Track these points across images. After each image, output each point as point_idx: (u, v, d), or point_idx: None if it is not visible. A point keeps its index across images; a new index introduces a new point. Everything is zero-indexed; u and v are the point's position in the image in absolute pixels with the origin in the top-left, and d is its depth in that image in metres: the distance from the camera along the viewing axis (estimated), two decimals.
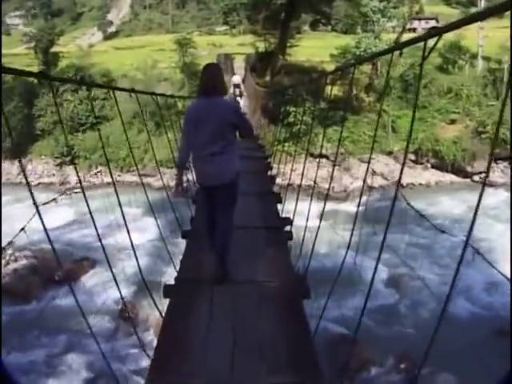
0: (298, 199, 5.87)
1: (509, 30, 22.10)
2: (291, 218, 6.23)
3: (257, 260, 4.95)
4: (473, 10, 69.76)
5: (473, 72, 30.19)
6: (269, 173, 9.84)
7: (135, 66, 30.56)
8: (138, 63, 30.53)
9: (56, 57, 32.92)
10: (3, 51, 43.88)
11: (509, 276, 2.06)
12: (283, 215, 6.69)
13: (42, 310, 13.53)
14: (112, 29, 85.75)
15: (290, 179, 7.44)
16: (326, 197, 5.57)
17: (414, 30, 54.35)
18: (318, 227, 5.32)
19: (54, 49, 34.77)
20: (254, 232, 5.87)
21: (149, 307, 13.07)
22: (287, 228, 6.00)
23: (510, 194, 20.92)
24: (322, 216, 5.04)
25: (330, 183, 6.51)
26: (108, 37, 78.70)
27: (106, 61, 34.71)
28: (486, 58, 30.37)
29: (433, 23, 60.33)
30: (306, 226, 5.12)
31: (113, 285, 13.41)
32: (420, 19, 58.54)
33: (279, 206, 7.12)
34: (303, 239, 5.32)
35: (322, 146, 17.90)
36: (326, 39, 45.58)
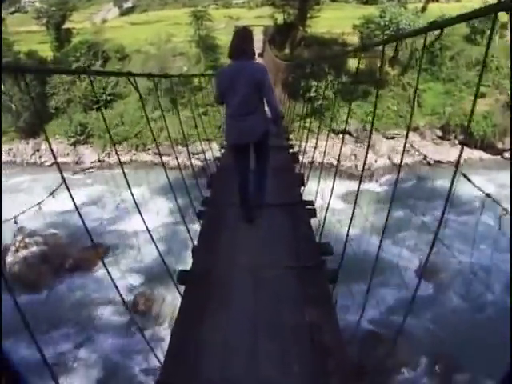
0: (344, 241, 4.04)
1: None
2: (331, 243, 4.52)
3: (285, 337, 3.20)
4: None
5: (502, 43, 28.53)
6: (297, 169, 7.58)
7: (149, 41, 29.52)
8: (152, 38, 29.50)
9: (69, 33, 32.05)
10: (19, 29, 43.25)
11: None
12: (321, 235, 4.92)
13: (53, 300, 12.98)
14: (128, 4, 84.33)
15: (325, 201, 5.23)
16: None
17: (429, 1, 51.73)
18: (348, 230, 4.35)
19: (69, 25, 33.95)
20: (281, 277, 3.98)
21: (163, 299, 12.46)
22: (328, 261, 4.25)
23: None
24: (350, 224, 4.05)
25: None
26: (124, 12, 77.38)
27: (120, 36, 33.71)
28: None
29: None
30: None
31: (127, 274, 12.75)
32: None
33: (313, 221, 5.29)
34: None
35: (345, 123, 16.62)
36: (346, 10, 43.99)
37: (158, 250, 4.67)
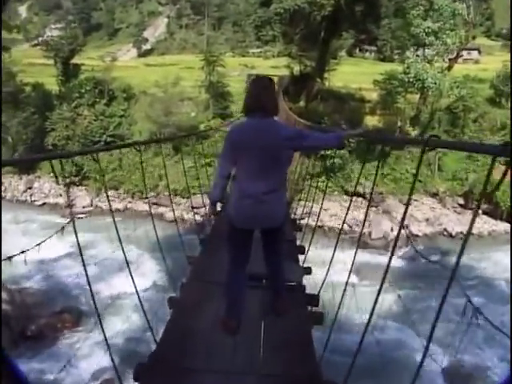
0: None
1: None
2: None
3: None
4: None
5: None
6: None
7: (157, 83, 28.21)
8: (160, 80, 28.21)
9: (77, 68, 30.88)
10: (33, 60, 42.57)
11: None
12: None
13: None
14: (147, 46, 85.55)
15: None
16: None
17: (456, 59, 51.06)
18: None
19: (80, 61, 32.88)
20: None
21: None
22: None
23: None
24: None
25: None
26: (142, 54, 78.38)
27: (129, 76, 32.66)
28: None
29: (475, 54, 57.43)
30: None
31: (96, 349, 10.64)
32: (462, 49, 55.10)
33: None
34: None
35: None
36: (363, 66, 43.47)
37: None
